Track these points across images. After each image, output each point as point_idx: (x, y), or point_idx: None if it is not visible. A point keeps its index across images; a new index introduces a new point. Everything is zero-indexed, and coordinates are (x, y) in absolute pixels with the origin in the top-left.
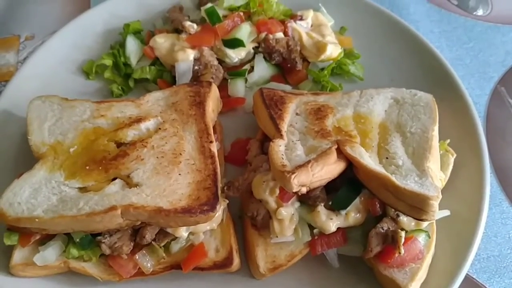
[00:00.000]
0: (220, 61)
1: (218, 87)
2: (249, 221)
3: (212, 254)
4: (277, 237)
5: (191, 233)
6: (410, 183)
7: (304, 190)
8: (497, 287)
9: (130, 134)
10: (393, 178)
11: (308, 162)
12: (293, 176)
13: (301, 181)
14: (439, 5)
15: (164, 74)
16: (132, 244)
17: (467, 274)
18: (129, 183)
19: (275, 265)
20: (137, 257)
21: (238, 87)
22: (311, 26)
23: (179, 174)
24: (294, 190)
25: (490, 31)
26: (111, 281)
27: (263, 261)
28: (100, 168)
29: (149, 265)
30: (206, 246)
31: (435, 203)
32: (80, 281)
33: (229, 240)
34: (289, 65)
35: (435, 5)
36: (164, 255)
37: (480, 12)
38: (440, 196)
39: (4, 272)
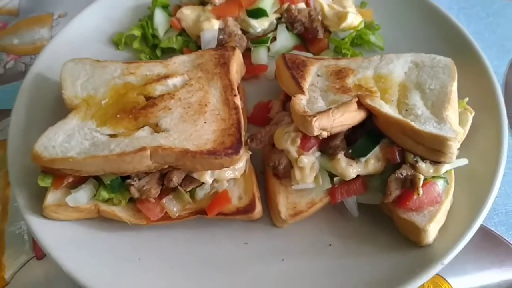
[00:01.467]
0: (244, 32)
1: (242, 56)
2: (271, 171)
3: (235, 201)
4: (298, 184)
5: (215, 181)
6: (429, 127)
7: (325, 134)
8: None
9: (158, 89)
10: (412, 123)
11: (329, 109)
12: (314, 119)
13: (322, 125)
14: None
15: (190, 44)
16: (159, 188)
17: (486, 226)
18: (157, 130)
19: (296, 211)
20: (164, 201)
21: (260, 55)
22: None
23: (205, 122)
24: (315, 134)
25: (507, 7)
26: (138, 224)
27: (285, 207)
28: (130, 116)
29: (175, 209)
30: (229, 194)
31: (454, 144)
32: (109, 226)
33: (252, 188)
34: (310, 36)
35: None
36: (190, 200)
37: None
38: (458, 138)
39: (37, 214)
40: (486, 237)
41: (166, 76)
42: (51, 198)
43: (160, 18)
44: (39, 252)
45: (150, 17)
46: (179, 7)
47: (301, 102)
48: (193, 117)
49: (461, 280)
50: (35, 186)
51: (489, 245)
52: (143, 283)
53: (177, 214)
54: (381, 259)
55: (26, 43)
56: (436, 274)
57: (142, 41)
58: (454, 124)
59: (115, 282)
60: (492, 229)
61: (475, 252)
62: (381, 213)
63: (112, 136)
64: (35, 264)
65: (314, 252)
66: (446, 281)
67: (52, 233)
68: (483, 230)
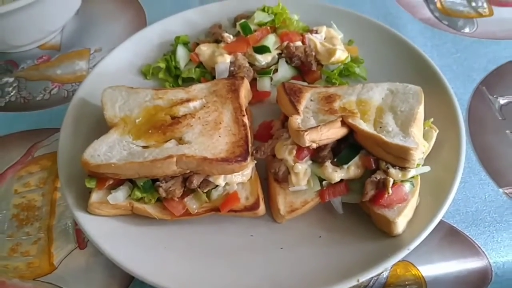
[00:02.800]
0: (251, 64)
1: (249, 84)
2: (272, 176)
3: (243, 201)
4: (294, 186)
5: (227, 184)
6: (396, 140)
7: (314, 145)
8: (473, 233)
9: (181, 110)
10: (383, 137)
11: (318, 125)
12: (305, 133)
13: (311, 138)
14: (432, 25)
15: (206, 75)
16: (182, 189)
17: (450, 223)
18: (181, 142)
19: (292, 209)
20: (186, 200)
21: (264, 83)
22: (324, 38)
23: (219, 136)
24: (307, 145)
25: (475, 44)
26: (164, 219)
27: (283, 205)
28: (159, 132)
29: (194, 207)
30: (238, 195)
31: (415, 153)
32: (140, 220)
33: (257, 190)
34: (306, 68)
35: (428, 25)
36: (206, 199)
37: (467, 30)
38: (420, 148)
39: (83, 210)
40: (450, 232)
41: (188, 100)
42: (95, 197)
43: (181, 53)
44: (81, 244)
45: (173, 52)
46: (197, 44)
47: (296, 121)
48: (210, 132)
49: (428, 268)
50: (80, 188)
51: (452, 239)
52: (167, 265)
53: (196, 211)
54: (360, 247)
55: (67, 73)
56: (408, 261)
57: (166, 72)
58: (418, 138)
59: (145, 263)
60: (455, 225)
61: (440, 244)
62: (361, 210)
63: (145, 147)
64: (78, 253)
65: (307, 242)
66: (416, 267)
67: (95, 226)
68: (447, 226)
